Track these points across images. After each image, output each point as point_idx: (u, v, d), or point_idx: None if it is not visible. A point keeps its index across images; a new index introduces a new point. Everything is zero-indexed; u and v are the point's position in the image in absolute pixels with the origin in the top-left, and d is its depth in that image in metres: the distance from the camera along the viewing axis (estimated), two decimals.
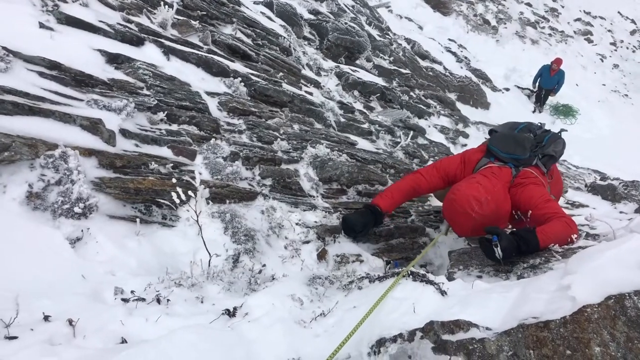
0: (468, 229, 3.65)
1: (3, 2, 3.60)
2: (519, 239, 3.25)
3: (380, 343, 2.02)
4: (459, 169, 4.26)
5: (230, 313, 2.20)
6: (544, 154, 4.16)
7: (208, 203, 3.36)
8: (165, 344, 1.77)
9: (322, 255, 3.68)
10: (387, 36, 12.17)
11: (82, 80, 3.48)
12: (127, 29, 4.37)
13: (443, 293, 2.34)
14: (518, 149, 4.06)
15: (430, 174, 4.31)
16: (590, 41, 28.20)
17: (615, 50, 28.48)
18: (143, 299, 2.25)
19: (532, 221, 3.61)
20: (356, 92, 7.82)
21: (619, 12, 32.32)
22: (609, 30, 30.38)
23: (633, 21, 32.07)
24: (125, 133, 3.37)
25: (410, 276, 2.44)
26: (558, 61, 15.61)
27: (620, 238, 3.34)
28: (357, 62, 9.10)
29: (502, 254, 3.15)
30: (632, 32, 30.88)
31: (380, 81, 8.62)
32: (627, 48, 29.02)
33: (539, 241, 3.24)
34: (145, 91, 3.88)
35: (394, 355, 1.94)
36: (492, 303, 2.20)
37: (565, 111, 17.85)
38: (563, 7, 30.44)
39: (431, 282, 2.40)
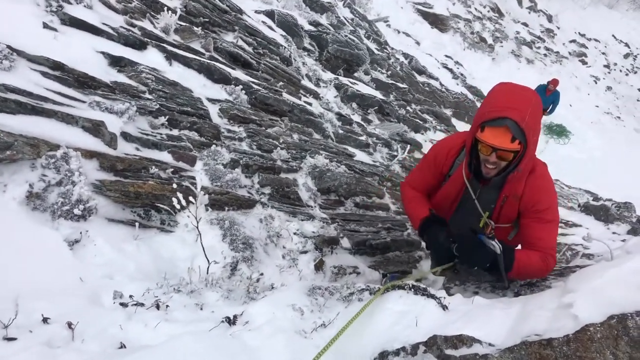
0: (530, 103, 2.46)
1: (7, 1, 3.59)
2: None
3: (383, 356, 2.00)
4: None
5: (231, 321, 2.17)
6: None
7: (207, 209, 3.34)
8: (167, 350, 1.74)
9: (319, 266, 3.66)
10: (385, 50, 12.24)
11: (84, 82, 3.47)
12: (130, 32, 4.37)
13: (444, 307, 2.32)
14: None
15: (420, 178, 3.19)
16: (584, 63, 28.50)
17: (609, 72, 28.77)
18: (142, 304, 2.22)
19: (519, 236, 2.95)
20: (354, 105, 7.84)
21: (613, 36, 32.70)
22: (603, 53, 30.72)
23: (627, 45, 32.47)
24: (126, 136, 3.36)
25: (412, 289, 2.42)
26: (555, 82, 15.66)
27: (619, 258, 3.36)
28: (355, 74, 9.13)
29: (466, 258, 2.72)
30: (626, 56, 31.23)
31: (378, 94, 8.66)
32: (621, 71, 29.34)
33: (512, 267, 2.66)
34: (147, 95, 3.87)
35: None
36: (494, 319, 2.18)
37: (559, 131, 17.99)
38: (559, 28, 30.77)
39: (432, 296, 2.39)
